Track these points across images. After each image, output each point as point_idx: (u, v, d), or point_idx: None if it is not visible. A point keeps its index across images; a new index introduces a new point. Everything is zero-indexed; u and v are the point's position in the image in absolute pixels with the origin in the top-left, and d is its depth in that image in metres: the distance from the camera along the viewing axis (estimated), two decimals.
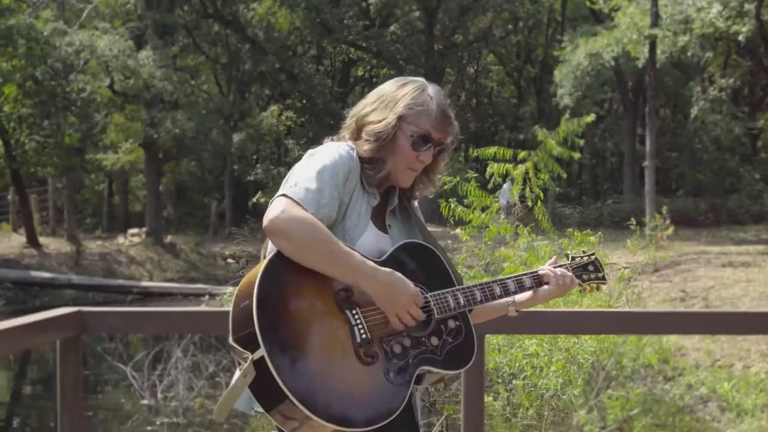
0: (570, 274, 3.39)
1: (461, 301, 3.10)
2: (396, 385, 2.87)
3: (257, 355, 2.64)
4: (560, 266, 3.43)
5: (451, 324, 3.08)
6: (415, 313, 2.92)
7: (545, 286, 3.33)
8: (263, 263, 2.78)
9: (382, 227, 3.15)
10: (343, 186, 2.96)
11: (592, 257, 3.54)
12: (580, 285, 3.47)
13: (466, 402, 4.05)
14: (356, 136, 3.15)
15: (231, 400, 2.74)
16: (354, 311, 2.84)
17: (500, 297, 3.23)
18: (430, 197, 3.55)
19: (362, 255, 2.90)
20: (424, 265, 3.12)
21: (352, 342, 2.81)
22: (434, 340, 3.02)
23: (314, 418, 2.65)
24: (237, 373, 2.90)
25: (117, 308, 4.02)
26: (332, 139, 3.21)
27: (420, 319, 2.95)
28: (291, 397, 2.62)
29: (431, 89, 3.19)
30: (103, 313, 3.90)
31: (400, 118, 3.09)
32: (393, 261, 3.01)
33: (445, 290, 3.09)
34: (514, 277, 3.30)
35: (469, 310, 3.16)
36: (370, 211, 3.09)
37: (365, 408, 2.79)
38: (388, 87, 3.20)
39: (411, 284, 2.93)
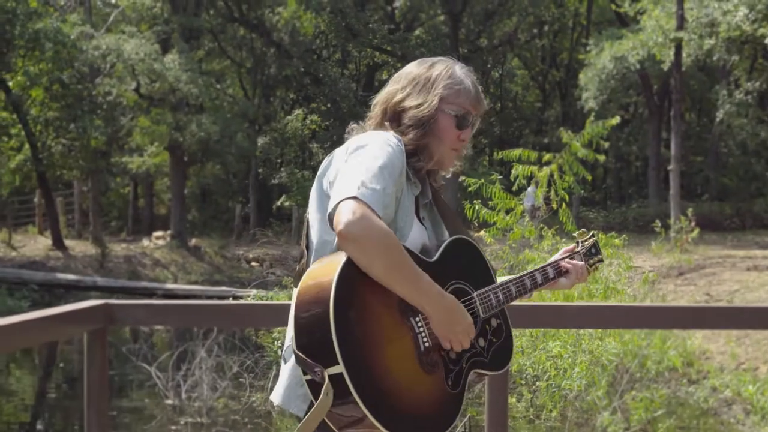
0: (585, 266, 3.43)
1: (501, 297, 3.08)
2: (454, 393, 2.86)
3: (333, 371, 2.58)
4: (575, 253, 3.46)
5: (494, 323, 3.07)
6: (466, 343, 2.88)
7: (563, 278, 3.36)
8: (335, 270, 2.67)
9: (418, 218, 3.08)
10: (399, 182, 2.89)
11: (594, 238, 3.57)
12: (588, 269, 3.51)
13: (490, 403, 4.05)
14: (392, 124, 3.07)
15: (317, 418, 2.66)
16: (417, 318, 2.79)
17: (531, 290, 3.23)
18: (454, 199, 3.46)
19: (418, 256, 2.86)
20: (468, 261, 3.07)
21: (415, 351, 2.77)
22: (481, 341, 3.00)
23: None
24: (283, 372, 2.90)
25: (143, 301, 4.06)
26: (359, 124, 3.15)
27: (466, 347, 2.91)
28: (369, 415, 2.59)
29: (460, 66, 3.16)
30: (130, 306, 3.95)
31: (441, 99, 3.04)
32: (444, 260, 2.97)
33: (488, 288, 3.06)
34: (540, 269, 3.30)
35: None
36: (414, 203, 3.03)
37: (431, 421, 2.78)
38: (416, 69, 3.12)
39: (468, 314, 2.88)
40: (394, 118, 3.07)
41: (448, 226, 3.19)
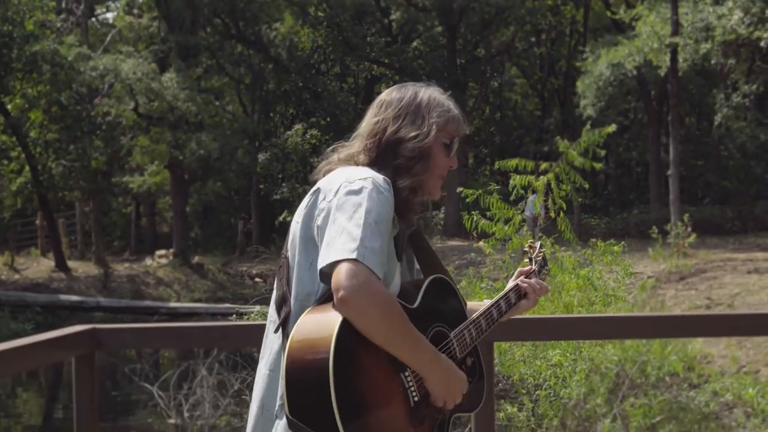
0: (544, 284, 3.40)
1: (474, 334, 3.04)
2: None
3: None
4: (531, 273, 3.44)
5: (468, 362, 3.04)
6: (458, 399, 2.86)
7: (524, 300, 3.33)
8: (332, 335, 2.59)
9: (398, 254, 2.98)
10: (390, 233, 2.83)
11: (543, 251, 3.60)
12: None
13: (476, 415, 4.06)
14: (386, 158, 2.95)
15: None
16: (406, 373, 2.73)
17: (497, 319, 3.20)
18: (455, 211, 3.35)
19: (403, 304, 2.80)
20: (444, 300, 3.03)
21: (406, 407, 2.73)
22: None
23: None
24: (276, 429, 2.82)
25: (130, 325, 4.08)
26: (336, 152, 3.05)
27: (459, 403, 2.88)
28: None
29: (439, 91, 3.07)
30: (116, 330, 3.96)
31: (438, 129, 2.98)
32: (424, 304, 2.90)
33: (462, 326, 3.01)
34: (503, 296, 3.27)
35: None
36: (393, 244, 2.92)
37: None
38: (402, 97, 3.03)
39: (460, 372, 2.86)
40: (389, 151, 2.97)
41: (421, 258, 3.13)
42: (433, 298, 2.96)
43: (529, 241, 3.67)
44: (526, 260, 3.55)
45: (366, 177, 2.81)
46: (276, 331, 2.88)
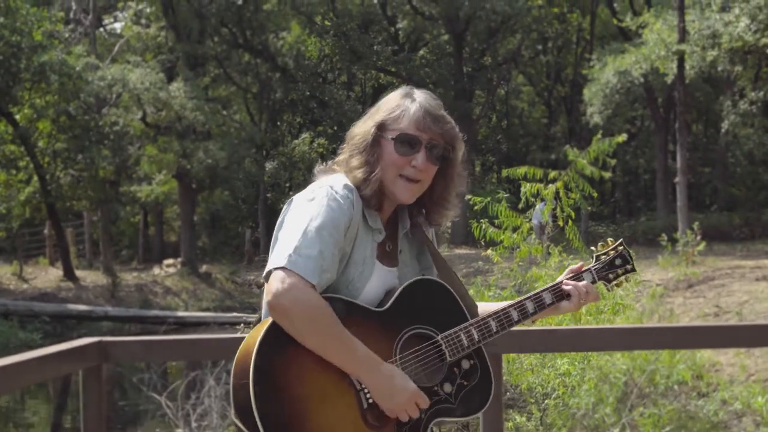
0: (595, 290, 3.19)
1: (475, 336, 2.94)
2: None
3: None
4: (584, 272, 3.24)
5: (465, 364, 2.94)
6: (413, 412, 2.78)
7: (565, 302, 3.15)
8: (259, 336, 2.66)
9: (391, 259, 2.99)
10: (344, 238, 2.80)
11: (620, 249, 3.30)
12: (606, 285, 3.26)
13: (485, 417, 4.05)
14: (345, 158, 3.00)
15: None
16: None
17: (518, 322, 3.05)
18: (457, 219, 3.25)
19: (364, 307, 2.82)
20: (433, 302, 2.94)
21: (359, 408, 2.71)
22: (447, 387, 2.89)
23: None
24: None
25: (137, 337, 4.08)
26: (325, 164, 3.07)
27: (415, 417, 2.80)
28: None
29: (417, 93, 3.00)
30: (124, 342, 3.96)
31: (381, 126, 2.93)
32: (399, 306, 2.86)
33: (459, 328, 2.93)
34: (534, 295, 3.11)
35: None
36: (376, 250, 2.93)
37: None
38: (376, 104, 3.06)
39: (411, 382, 2.77)
40: (346, 151, 3.02)
41: (435, 263, 3.09)
42: (415, 300, 2.91)
43: (608, 240, 3.36)
44: (580, 263, 3.29)
45: (323, 186, 2.87)
46: None
